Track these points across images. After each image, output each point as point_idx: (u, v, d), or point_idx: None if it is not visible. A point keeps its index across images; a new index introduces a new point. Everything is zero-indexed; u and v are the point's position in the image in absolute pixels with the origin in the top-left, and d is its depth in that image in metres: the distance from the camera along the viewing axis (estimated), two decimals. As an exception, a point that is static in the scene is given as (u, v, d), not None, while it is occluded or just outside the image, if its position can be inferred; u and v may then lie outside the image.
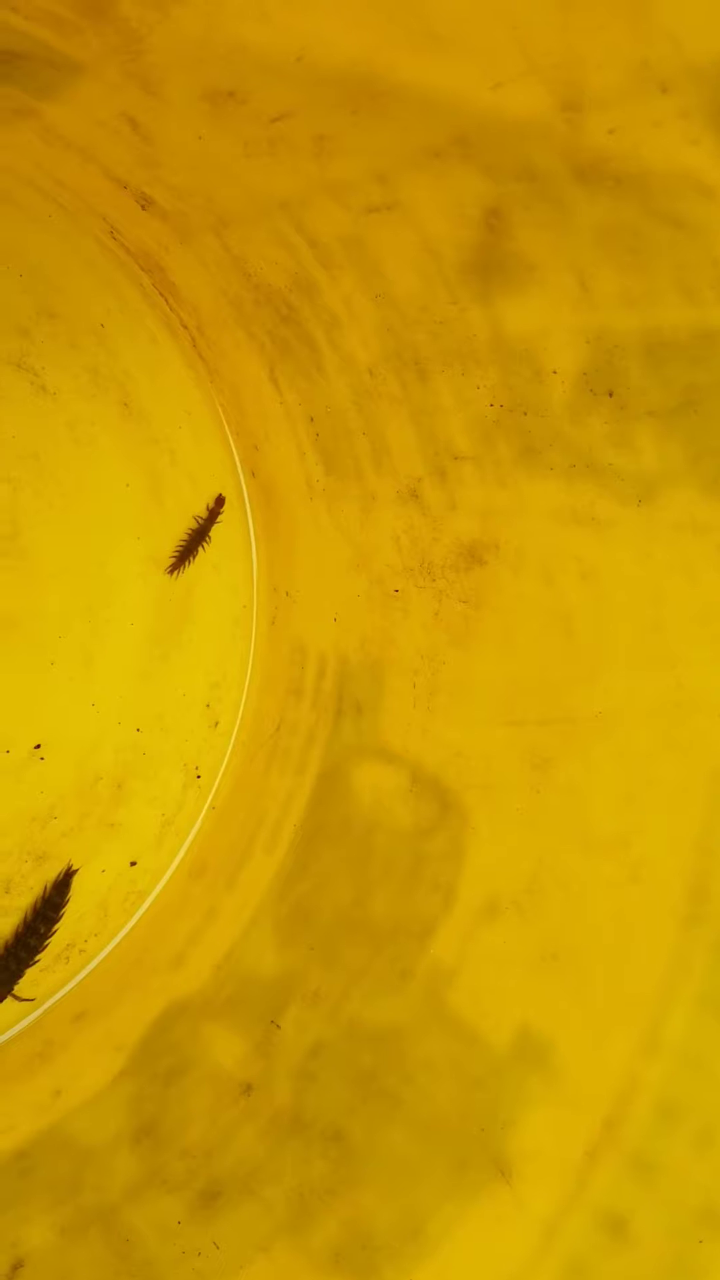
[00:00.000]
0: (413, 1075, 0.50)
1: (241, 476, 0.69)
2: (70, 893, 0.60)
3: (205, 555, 0.68)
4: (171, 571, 0.66)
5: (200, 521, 0.66)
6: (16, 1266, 0.47)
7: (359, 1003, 0.53)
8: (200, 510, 0.67)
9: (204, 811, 0.67)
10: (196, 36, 0.40)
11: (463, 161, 0.38)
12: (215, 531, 0.68)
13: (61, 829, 0.62)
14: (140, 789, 0.65)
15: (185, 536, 0.66)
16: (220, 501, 0.67)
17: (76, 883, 0.62)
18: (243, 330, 0.58)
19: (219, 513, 0.67)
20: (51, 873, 0.61)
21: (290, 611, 0.67)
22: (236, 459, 0.69)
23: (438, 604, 0.56)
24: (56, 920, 0.59)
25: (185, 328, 0.63)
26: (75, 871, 0.60)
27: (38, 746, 0.61)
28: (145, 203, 0.53)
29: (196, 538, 0.66)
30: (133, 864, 0.65)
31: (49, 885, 0.60)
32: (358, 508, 0.60)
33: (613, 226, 0.37)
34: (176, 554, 0.66)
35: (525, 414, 0.46)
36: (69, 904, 0.60)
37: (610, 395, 0.42)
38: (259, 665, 0.69)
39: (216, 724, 0.69)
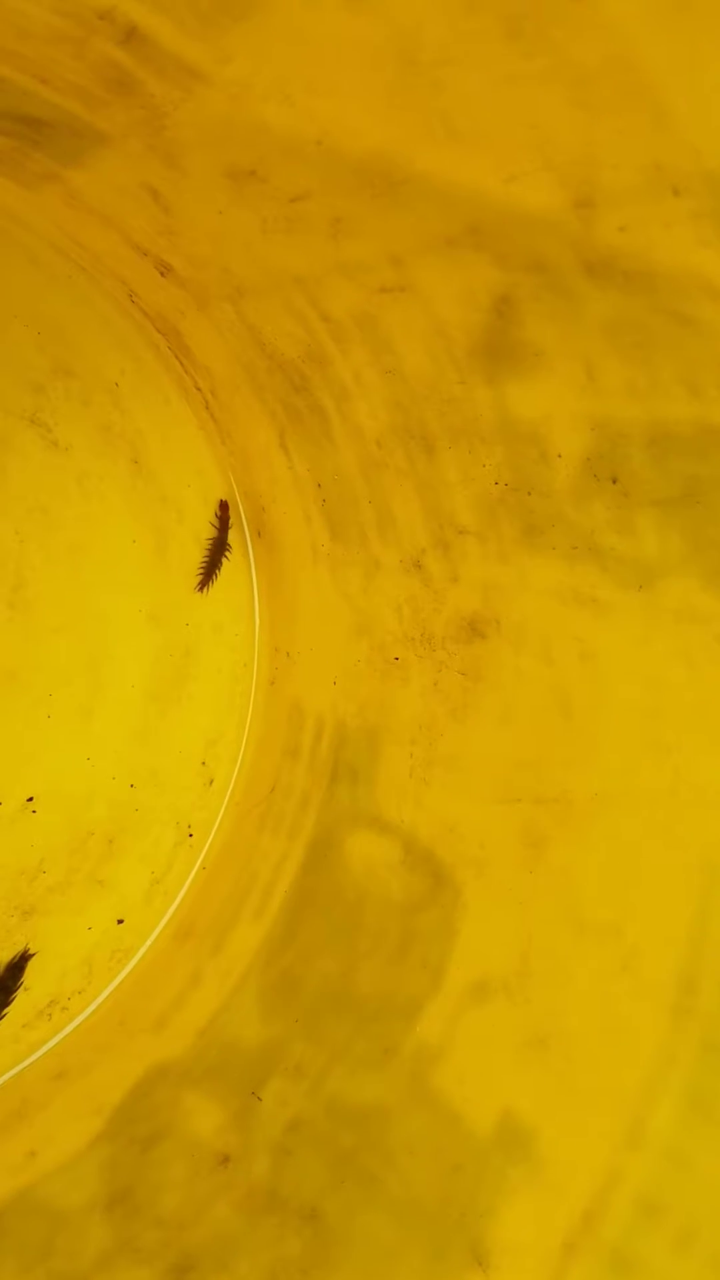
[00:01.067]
0: (393, 1157, 0.49)
1: (248, 536, 0.70)
2: (24, 978, 0.59)
3: (207, 613, 0.68)
4: (201, 588, 0.66)
5: (213, 538, 0.67)
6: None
7: (341, 1079, 0.53)
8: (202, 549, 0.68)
9: (194, 871, 0.67)
10: (220, 116, 0.41)
11: (475, 250, 0.39)
12: (219, 590, 0.68)
13: (49, 883, 0.62)
14: (131, 846, 0.65)
15: (204, 555, 0.66)
16: (224, 507, 0.67)
17: (61, 939, 0.61)
18: (255, 396, 0.59)
19: (228, 519, 0.67)
20: (38, 929, 0.60)
21: (290, 672, 0.67)
22: (244, 519, 0.69)
23: (437, 674, 0.56)
24: (6, 1004, 0.58)
25: (199, 390, 0.64)
26: (31, 956, 0.60)
27: (30, 799, 0.60)
28: (164, 269, 0.54)
29: (216, 550, 0.66)
30: (120, 922, 0.64)
31: (3, 965, 0.59)
32: (361, 574, 0.60)
33: (620, 320, 0.37)
34: (201, 571, 0.66)
35: (529, 494, 0.47)
36: (22, 988, 0.59)
37: (614, 482, 0.42)
38: (257, 725, 0.69)
39: (211, 782, 0.68)
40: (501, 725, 0.52)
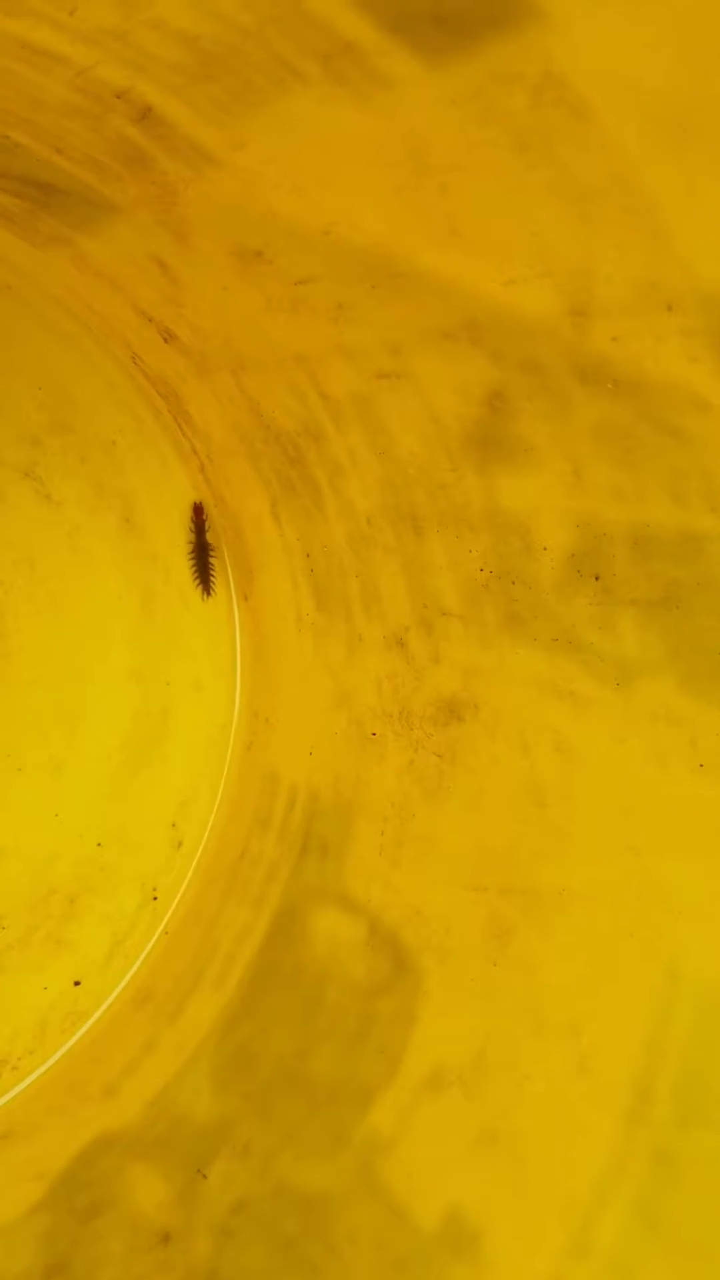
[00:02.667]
0: (336, 1246, 0.48)
1: (234, 598, 0.70)
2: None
3: (187, 672, 0.68)
4: (208, 594, 0.66)
5: (193, 542, 0.66)
6: None
7: (289, 1162, 0.51)
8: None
9: (157, 935, 0.66)
10: (231, 198, 0.42)
11: (472, 345, 0.40)
12: (201, 649, 0.68)
13: (8, 940, 0.61)
14: (94, 905, 0.64)
15: (191, 564, 0.66)
16: (198, 510, 0.66)
17: (15, 997, 0.60)
18: (250, 464, 0.60)
19: (203, 522, 0.66)
20: (-9, 987, 0.59)
21: (267, 739, 0.67)
22: (231, 581, 0.70)
23: (414, 753, 0.56)
24: None
25: (195, 453, 0.65)
26: None
27: (-6, 853, 0.60)
28: (168, 336, 0.55)
29: (201, 553, 0.66)
30: (77, 983, 0.63)
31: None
32: (344, 646, 0.60)
33: (609, 425, 0.38)
34: (196, 579, 0.66)
35: (513, 583, 0.47)
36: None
37: (596, 579, 0.43)
38: (230, 789, 0.69)
39: (180, 845, 0.68)
40: (474, 811, 0.51)
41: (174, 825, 0.67)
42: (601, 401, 0.37)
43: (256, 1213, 0.51)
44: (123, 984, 0.64)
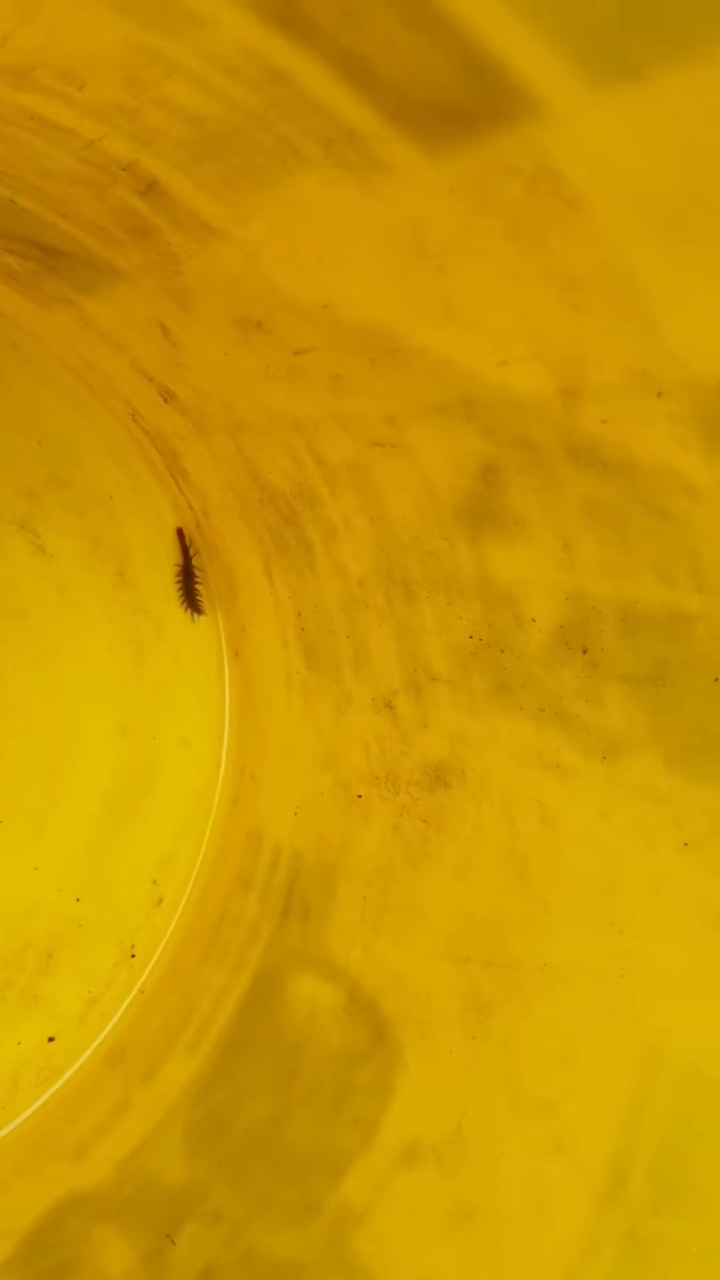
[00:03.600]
0: (304, 1322, 0.47)
1: (225, 655, 0.70)
2: None
3: (175, 728, 0.68)
4: (199, 613, 0.67)
5: (179, 564, 0.66)
6: None
7: (260, 1231, 0.50)
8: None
9: (133, 994, 0.65)
10: (233, 270, 0.43)
11: (466, 420, 0.40)
12: (190, 704, 0.68)
13: (-18, 995, 0.60)
14: (70, 961, 0.63)
15: (177, 584, 0.66)
16: (181, 534, 0.66)
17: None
18: (245, 523, 0.60)
19: (186, 547, 0.66)
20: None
21: (253, 797, 0.67)
22: (222, 638, 0.70)
23: (399, 818, 0.56)
24: None
25: (191, 509, 0.65)
26: None
27: (-29, 905, 0.59)
28: (168, 396, 0.56)
29: (188, 576, 0.66)
30: (51, 1040, 0.62)
31: None
32: (332, 707, 0.60)
33: (599, 503, 0.38)
34: (184, 603, 0.66)
35: (502, 651, 0.47)
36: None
37: (584, 652, 0.43)
38: (213, 847, 0.68)
39: (160, 902, 0.67)
40: (457, 879, 0.51)
41: (155, 882, 0.67)
42: (591, 480, 0.38)
43: (224, 1282, 0.50)
44: (97, 1042, 0.63)
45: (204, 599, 0.67)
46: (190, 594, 0.66)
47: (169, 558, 0.67)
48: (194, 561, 0.66)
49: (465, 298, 0.35)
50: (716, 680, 0.38)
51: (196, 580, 0.66)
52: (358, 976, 0.53)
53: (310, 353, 0.43)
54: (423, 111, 0.30)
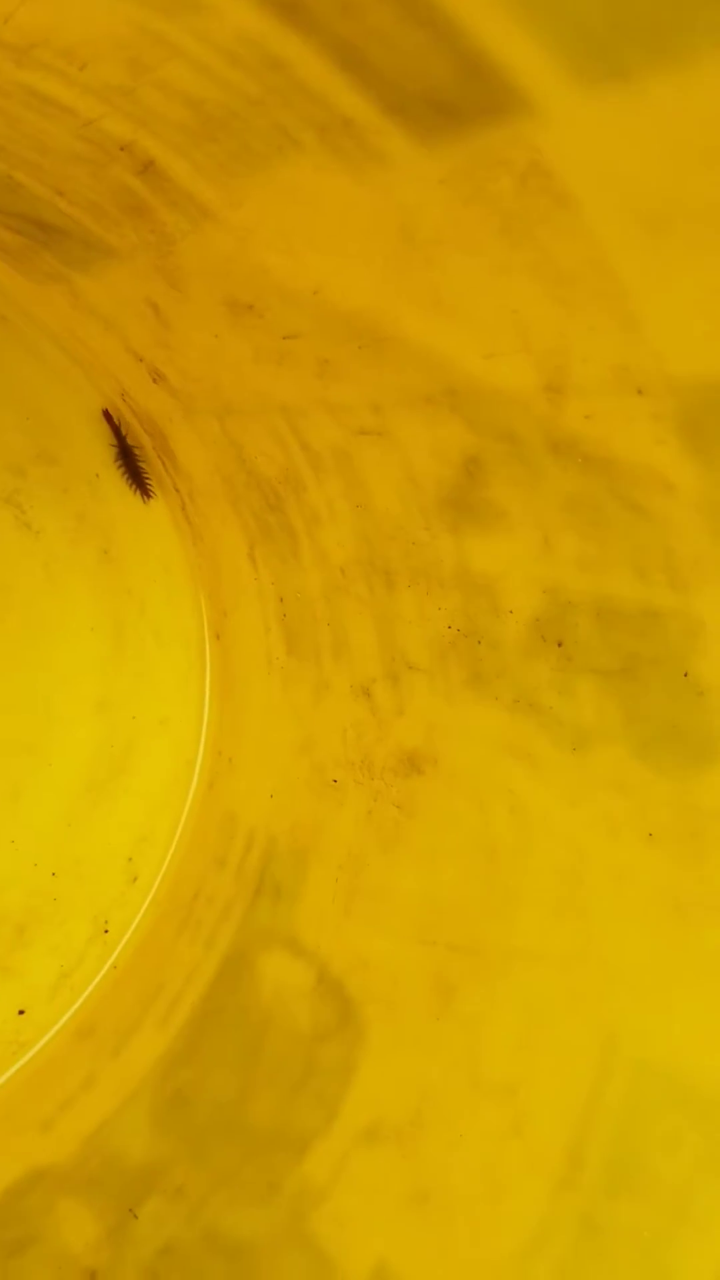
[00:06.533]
0: (261, 1298, 0.48)
1: (207, 637, 0.70)
2: None
3: (155, 708, 0.68)
4: (149, 497, 0.64)
5: (115, 445, 0.64)
6: None
7: (221, 1208, 0.51)
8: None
9: (105, 969, 0.65)
10: (225, 252, 0.43)
11: (451, 411, 0.41)
12: (170, 685, 0.68)
13: (-47, 966, 0.60)
14: (43, 936, 0.64)
15: (118, 468, 0.64)
16: (108, 416, 0.63)
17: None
18: (230, 506, 0.60)
19: (118, 426, 0.63)
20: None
21: (230, 779, 0.67)
22: (205, 620, 0.70)
23: (372, 803, 0.56)
24: None
25: (177, 491, 0.65)
26: None
27: (-55, 877, 0.60)
28: (157, 376, 0.56)
29: (128, 458, 0.64)
30: (20, 1013, 0.63)
31: None
32: (311, 692, 0.61)
33: (579, 497, 0.39)
34: (131, 485, 0.64)
35: (479, 642, 0.48)
36: None
37: (559, 645, 0.43)
38: (189, 827, 0.69)
39: (135, 879, 0.68)
40: (427, 864, 0.52)
41: (130, 860, 0.67)
42: (572, 474, 0.38)
43: (184, 1257, 0.51)
44: (67, 1016, 0.64)
45: (151, 481, 0.65)
46: (136, 476, 0.64)
47: (154, 539, 0.67)
48: (129, 441, 0.64)
49: (453, 289, 0.36)
50: (686, 675, 0.39)
51: (139, 460, 0.64)
52: (327, 957, 0.54)
53: (299, 338, 0.44)
54: (417, 103, 0.31)
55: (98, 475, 0.65)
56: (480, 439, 0.41)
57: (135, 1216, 0.53)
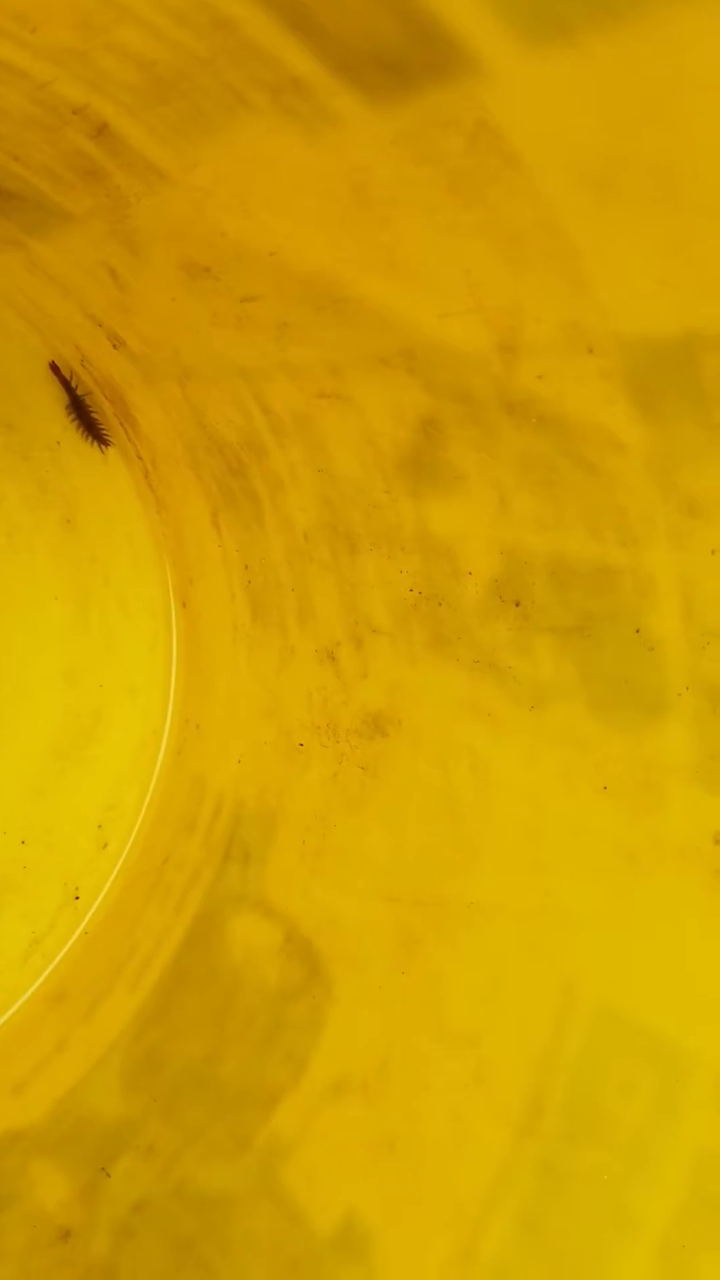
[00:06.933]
0: (232, 1248, 0.49)
1: (172, 605, 0.70)
2: None
3: (121, 676, 0.68)
4: (106, 443, 0.64)
5: (69, 400, 0.63)
6: None
7: (192, 1164, 0.52)
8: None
9: (76, 935, 0.66)
10: (181, 215, 0.43)
11: (407, 373, 0.41)
12: (137, 654, 0.68)
13: None
14: (13, 903, 0.64)
15: (71, 421, 0.63)
16: (54, 367, 0.62)
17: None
18: (193, 473, 0.60)
19: (65, 377, 0.62)
20: None
21: (197, 745, 0.68)
22: (170, 588, 0.70)
23: (338, 765, 0.57)
24: None
25: (140, 459, 0.65)
26: None
27: None
28: (116, 342, 0.56)
29: (80, 408, 0.63)
30: (-8, 979, 0.63)
31: None
32: (277, 658, 0.61)
33: (533, 457, 0.39)
34: (85, 435, 0.63)
35: (440, 605, 0.48)
36: None
37: (516, 605, 0.44)
38: (158, 794, 0.69)
39: (105, 846, 0.68)
40: (392, 824, 0.52)
41: (100, 827, 0.68)
42: (527, 434, 0.39)
43: (157, 1212, 0.51)
44: (39, 982, 0.64)
45: (105, 428, 0.63)
46: (90, 426, 0.63)
47: (117, 507, 0.67)
48: (79, 392, 0.63)
49: (407, 248, 0.36)
50: (638, 632, 0.40)
51: (91, 410, 0.63)
52: (295, 917, 0.55)
53: (257, 300, 0.44)
54: (366, 63, 0.31)
55: (58, 443, 0.65)
56: (437, 400, 0.41)
57: (108, 1175, 0.54)
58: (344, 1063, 0.49)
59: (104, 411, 0.64)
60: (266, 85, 0.33)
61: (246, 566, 0.61)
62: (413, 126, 0.32)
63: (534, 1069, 0.42)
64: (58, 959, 0.65)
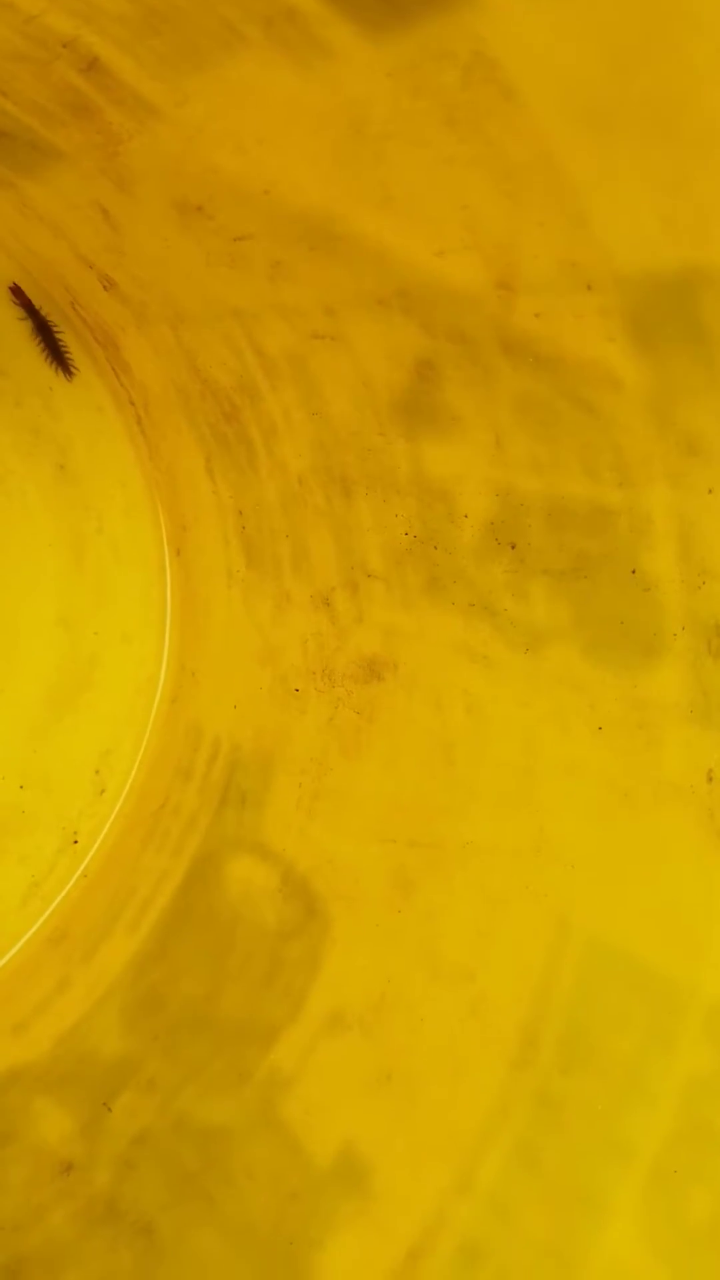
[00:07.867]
0: (232, 1179, 0.50)
1: (166, 553, 0.70)
2: None
3: (116, 623, 0.68)
4: (70, 374, 0.62)
5: (33, 325, 0.61)
6: None
7: (193, 1098, 0.53)
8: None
9: (74, 878, 0.67)
10: (174, 152, 0.42)
11: (403, 313, 0.41)
12: (132, 601, 0.69)
13: None
14: (12, 847, 0.65)
15: (42, 351, 0.61)
16: (17, 291, 0.60)
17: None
18: (186, 418, 0.60)
19: (28, 301, 0.60)
20: None
21: (193, 691, 0.68)
22: (164, 535, 0.70)
23: (333, 710, 0.57)
24: None
25: (132, 404, 0.65)
26: None
27: None
28: (108, 284, 0.55)
29: (44, 333, 0.61)
30: (-8, 923, 0.64)
31: None
32: (272, 603, 0.61)
33: (530, 398, 0.39)
34: (51, 363, 0.62)
35: (435, 548, 0.48)
36: None
37: (512, 548, 0.44)
38: (155, 740, 0.69)
39: (103, 792, 0.69)
40: (388, 767, 0.53)
41: (97, 772, 0.68)
42: (523, 375, 0.39)
43: (157, 1145, 0.53)
44: (38, 924, 0.65)
45: (71, 356, 0.62)
46: (55, 352, 0.61)
47: (111, 453, 0.67)
48: (43, 315, 0.60)
49: (403, 184, 0.36)
50: (634, 572, 0.40)
51: (56, 332, 0.61)
52: (292, 859, 0.55)
53: (250, 239, 0.43)
54: (361, -8, 0.30)
55: (51, 389, 0.64)
56: (433, 340, 0.41)
57: (109, 1110, 0.55)
58: (342, 998, 0.50)
59: (71, 334, 0.61)
60: (260, 17, 0.33)
61: (240, 512, 0.61)
62: (408, 58, 0.32)
63: (529, 1003, 0.43)
64: (57, 901, 0.66)
